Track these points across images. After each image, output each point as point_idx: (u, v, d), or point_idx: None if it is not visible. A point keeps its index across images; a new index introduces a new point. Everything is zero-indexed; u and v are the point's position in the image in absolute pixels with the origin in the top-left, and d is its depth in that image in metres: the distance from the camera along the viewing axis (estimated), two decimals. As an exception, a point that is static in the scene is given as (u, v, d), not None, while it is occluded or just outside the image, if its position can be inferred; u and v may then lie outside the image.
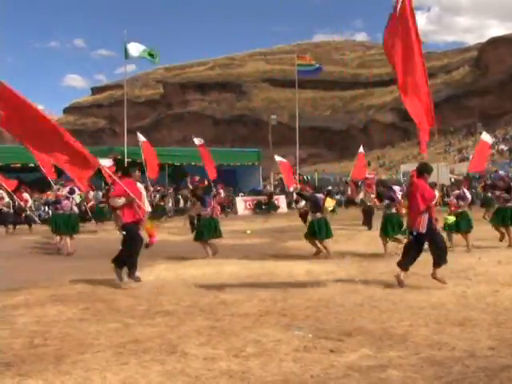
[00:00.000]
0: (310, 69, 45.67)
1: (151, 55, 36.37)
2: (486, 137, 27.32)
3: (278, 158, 32.62)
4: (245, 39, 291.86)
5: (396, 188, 16.24)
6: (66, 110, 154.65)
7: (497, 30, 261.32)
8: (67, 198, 18.11)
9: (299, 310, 8.76)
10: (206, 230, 15.45)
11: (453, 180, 43.70)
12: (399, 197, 15.44)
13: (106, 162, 26.53)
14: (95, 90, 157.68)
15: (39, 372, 5.99)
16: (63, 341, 7.25)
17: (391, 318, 8.13)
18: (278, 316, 8.43)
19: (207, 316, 8.52)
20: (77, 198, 19.54)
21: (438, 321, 7.93)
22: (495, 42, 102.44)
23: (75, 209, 18.48)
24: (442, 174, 45.06)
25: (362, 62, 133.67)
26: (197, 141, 30.11)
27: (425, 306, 8.85)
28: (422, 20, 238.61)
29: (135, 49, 35.97)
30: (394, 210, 15.70)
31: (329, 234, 15.61)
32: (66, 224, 17.71)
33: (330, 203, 16.03)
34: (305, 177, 48.40)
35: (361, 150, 32.37)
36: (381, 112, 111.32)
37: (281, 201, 42.73)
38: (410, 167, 55.45)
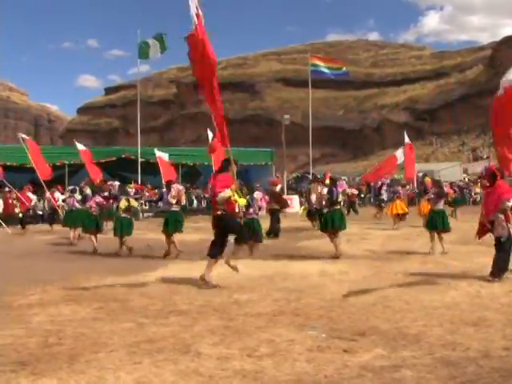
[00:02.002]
0: (325, 70, 45.47)
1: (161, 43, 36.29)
2: (408, 139, 27.90)
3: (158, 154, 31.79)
4: (258, 39, 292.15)
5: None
6: (80, 111, 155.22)
7: (511, 29, 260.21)
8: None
9: (313, 310, 8.75)
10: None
11: (466, 180, 43.60)
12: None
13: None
14: (109, 90, 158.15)
15: (53, 371, 6.01)
16: (77, 340, 7.27)
17: (405, 318, 8.11)
18: (292, 316, 8.43)
19: (221, 316, 8.52)
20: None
21: (452, 321, 7.90)
22: (509, 40, 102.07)
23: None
24: (455, 173, 45.05)
25: (374, 61, 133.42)
26: None
27: (439, 306, 8.82)
28: (434, 19, 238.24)
29: (154, 48, 35.93)
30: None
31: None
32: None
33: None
34: (318, 176, 48.27)
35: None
36: (394, 111, 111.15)
37: (294, 200, 42.64)
38: (423, 167, 55.40)
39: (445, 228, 15.44)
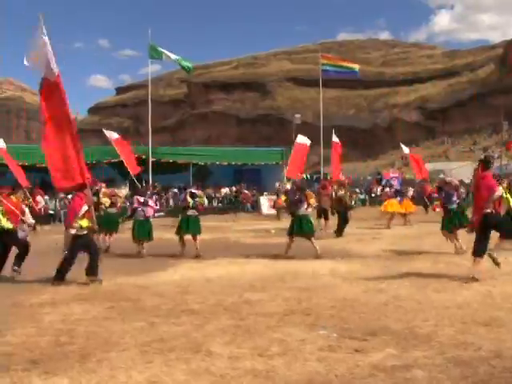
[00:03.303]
0: (336, 69, 45.38)
1: (184, 65, 36.77)
2: (302, 139, 27.47)
3: None
4: (268, 38, 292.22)
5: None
6: (91, 110, 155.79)
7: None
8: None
9: (324, 310, 8.75)
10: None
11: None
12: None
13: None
14: (120, 90, 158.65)
15: (65, 370, 6.04)
16: (89, 339, 7.30)
17: (416, 318, 8.10)
18: (303, 315, 8.43)
19: (232, 315, 8.53)
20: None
21: (463, 320, 7.88)
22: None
23: None
24: (466, 172, 44.86)
25: (385, 60, 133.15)
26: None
27: (450, 306, 8.80)
28: (445, 18, 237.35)
29: (169, 54, 36.21)
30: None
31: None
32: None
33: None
34: (329, 176, 48.23)
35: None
36: (405, 111, 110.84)
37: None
38: (435, 166, 55.27)
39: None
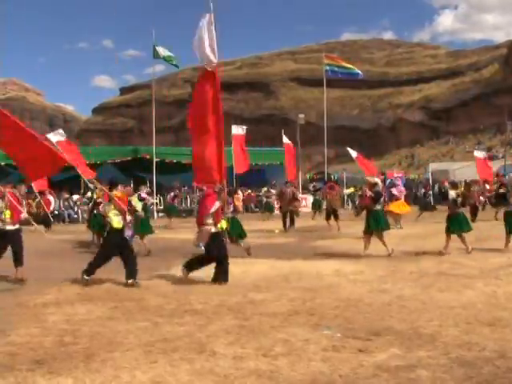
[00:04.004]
0: (339, 70, 45.43)
1: (171, 60, 37.02)
2: (238, 130, 27.49)
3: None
4: (272, 39, 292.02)
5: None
6: (95, 110, 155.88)
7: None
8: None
9: (328, 310, 8.75)
10: None
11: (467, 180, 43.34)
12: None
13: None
14: (124, 90, 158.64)
15: (69, 370, 6.04)
16: (93, 339, 7.31)
17: (420, 318, 8.09)
18: (307, 315, 8.43)
19: (236, 315, 8.53)
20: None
21: (467, 321, 7.87)
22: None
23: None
24: (470, 172, 44.73)
25: (389, 60, 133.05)
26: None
27: (454, 306, 8.79)
28: (449, 18, 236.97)
29: (162, 51, 36.42)
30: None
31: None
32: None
33: None
34: (332, 176, 48.19)
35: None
36: (409, 111, 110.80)
37: (308, 200, 42.59)
38: (439, 166, 55.21)
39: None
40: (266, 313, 8.63)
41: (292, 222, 24.04)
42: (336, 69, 45.44)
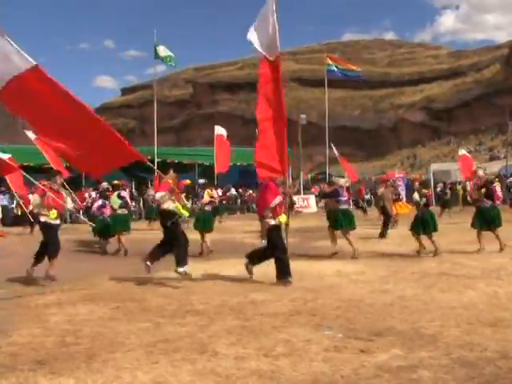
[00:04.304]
0: (341, 70, 45.49)
1: (168, 60, 37.06)
2: (220, 130, 27.45)
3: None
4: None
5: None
6: (97, 111, 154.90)
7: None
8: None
9: (329, 310, 8.74)
10: None
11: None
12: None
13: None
14: (125, 91, 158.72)
15: (71, 370, 6.05)
16: (94, 340, 7.31)
17: (422, 318, 8.09)
18: (308, 316, 8.43)
19: (237, 315, 8.53)
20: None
21: (469, 321, 7.87)
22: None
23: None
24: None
25: (391, 60, 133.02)
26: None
27: (456, 306, 8.79)
28: (450, 18, 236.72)
29: (163, 50, 36.49)
30: None
31: None
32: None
33: None
34: (333, 177, 48.21)
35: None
36: (411, 111, 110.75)
37: (310, 200, 42.66)
38: (440, 167, 55.16)
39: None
40: (267, 313, 8.64)
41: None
42: (337, 69, 45.49)
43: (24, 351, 6.85)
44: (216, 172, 28.43)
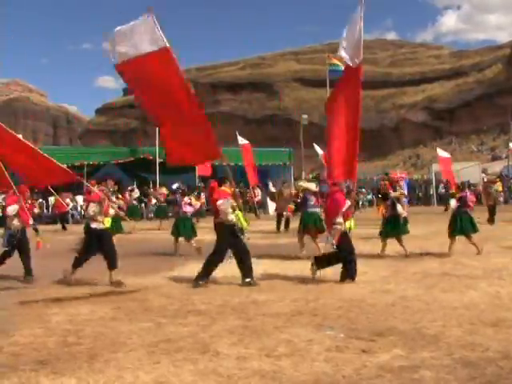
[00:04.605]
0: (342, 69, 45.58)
1: None
2: (243, 140, 27.87)
3: None
4: (275, 39, 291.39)
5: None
6: (98, 111, 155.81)
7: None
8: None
9: (331, 310, 8.75)
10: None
11: (485, 179, 43.18)
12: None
13: None
14: (127, 91, 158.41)
15: (73, 370, 6.05)
16: (96, 340, 7.32)
17: (423, 319, 8.09)
18: (310, 316, 8.43)
19: (239, 315, 8.53)
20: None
21: (471, 321, 7.86)
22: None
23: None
24: (473, 173, 44.75)
25: (392, 60, 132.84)
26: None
27: (458, 307, 8.78)
28: (452, 18, 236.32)
29: None
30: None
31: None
32: None
33: None
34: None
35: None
36: (412, 111, 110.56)
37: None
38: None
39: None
40: (269, 313, 8.64)
41: (287, 224, 24.01)
42: (339, 69, 45.48)
43: (26, 351, 6.86)
44: (197, 174, 29.04)
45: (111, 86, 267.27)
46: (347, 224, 11.57)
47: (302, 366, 6.05)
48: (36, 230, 14.21)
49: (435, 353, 6.42)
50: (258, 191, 36.38)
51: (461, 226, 15.01)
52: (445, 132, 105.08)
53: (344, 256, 11.38)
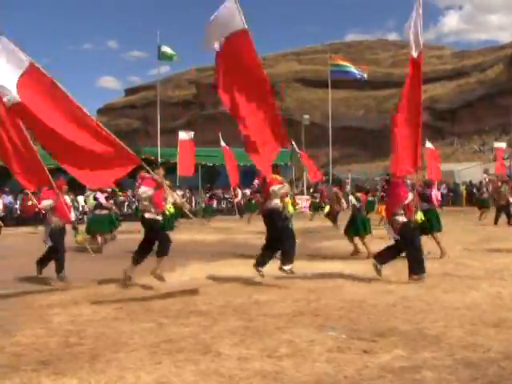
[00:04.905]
0: (344, 70, 45.58)
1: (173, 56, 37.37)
2: (183, 135, 29.15)
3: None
4: (276, 39, 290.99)
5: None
6: (100, 111, 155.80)
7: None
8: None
9: (332, 311, 8.75)
10: None
11: (487, 179, 43.17)
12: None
13: None
14: (128, 91, 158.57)
15: (74, 371, 6.05)
16: (98, 340, 7.32)
17: (425, 319, 8.08)
18: (312, 316, 8.43)
19: (241, 316, 8.54)
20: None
21: (472, 322, 7.86)
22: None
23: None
24: (475, 173, 44.77)
25: (394, 61, 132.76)
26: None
27: (459, 307, 8.78)
28: (454, 19, 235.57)
29: (169, 50, 36.73)
30: None
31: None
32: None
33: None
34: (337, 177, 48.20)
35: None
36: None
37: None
38: (444, 167, 55.06)
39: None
40: (270, 314, 8.64)
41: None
42: (341, 69, 45.54)
43: (27, 351, 6.86)
44: (178, 174, 28.91)
45: (112, 86, 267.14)
46: (417, 216, 11.75)
47: (304, 367, 6.05)
48: (75, 229, 14.26)
49: (437, 353, 6.42)
50: (239, 192, 36.39)
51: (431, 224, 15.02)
52: (447, 132, 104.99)
53: (406, 246, 11.45)
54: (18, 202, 32.27)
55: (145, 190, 11.19)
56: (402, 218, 11.41)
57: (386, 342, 6.94)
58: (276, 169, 12.05)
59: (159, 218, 11.45)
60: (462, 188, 44.39)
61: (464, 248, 15.37)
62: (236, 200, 33.66)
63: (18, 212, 32.55)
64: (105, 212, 18.74)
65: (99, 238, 18.25)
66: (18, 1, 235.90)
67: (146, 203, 11.31)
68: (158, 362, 6.30)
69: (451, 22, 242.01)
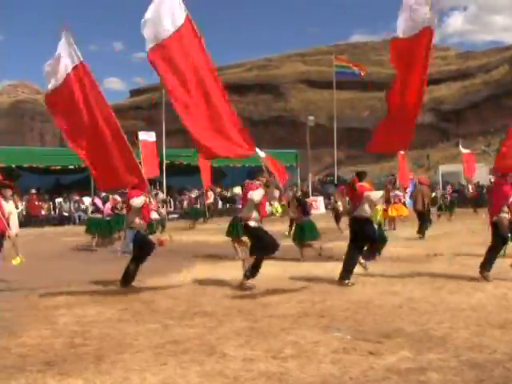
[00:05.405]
0: (349, 71, 45.62)
1: None
2: (143, 135, 28.96)
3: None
4: (282, 40, 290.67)
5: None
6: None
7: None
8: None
9: (338, 312, 8.74)
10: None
11: (492, 180, 43.08)
12: None
13: None
14: (134, 93, 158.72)
15: (79, 371, 6.06)
16: (103, 341, 7.33)
17: (431, 320, 8.07)
18: (317, 317, 8.42)
19: (246, 317, 8.53)
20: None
21: (478, 323, 7.85)
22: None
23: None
24: (480, 174, 44.62)
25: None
26: None
27: (465, 308, 8.77)
28: (458, 20, 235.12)
29: None
30: None
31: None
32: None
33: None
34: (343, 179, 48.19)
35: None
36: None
37: (319, 202, 42.56)
38: (449, 168, 55.04)
39: None
40: (275, 315, 8.63)
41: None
42: (346, 70, 45.56)
43: (33, 352, 6.87)
44: (145, 178, 28.79)
45: (117, 87, 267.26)
46: None
47: (309, 368, 6.04)
48: (163, 226, 14.28)
49: (442, 355, 6.40)
50: (211, 194, 36.30)
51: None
52: (452, 133, 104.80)
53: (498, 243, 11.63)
54: (24, 203, 32.28)
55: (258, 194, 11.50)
56: (508, 216, 11.47)
57: (391, 343, 6.93)
58: (363, 175, 12.01)
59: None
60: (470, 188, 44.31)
61: (470, 249, 15.30)
62: (207, 202, 33.37)
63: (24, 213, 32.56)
64: (100, 215, 19.87)
65: (95, 239, 19.50)
66: (20, 1, 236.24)
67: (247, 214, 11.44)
68: (163, 363, 6.30)
69: (456, 22, 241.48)
